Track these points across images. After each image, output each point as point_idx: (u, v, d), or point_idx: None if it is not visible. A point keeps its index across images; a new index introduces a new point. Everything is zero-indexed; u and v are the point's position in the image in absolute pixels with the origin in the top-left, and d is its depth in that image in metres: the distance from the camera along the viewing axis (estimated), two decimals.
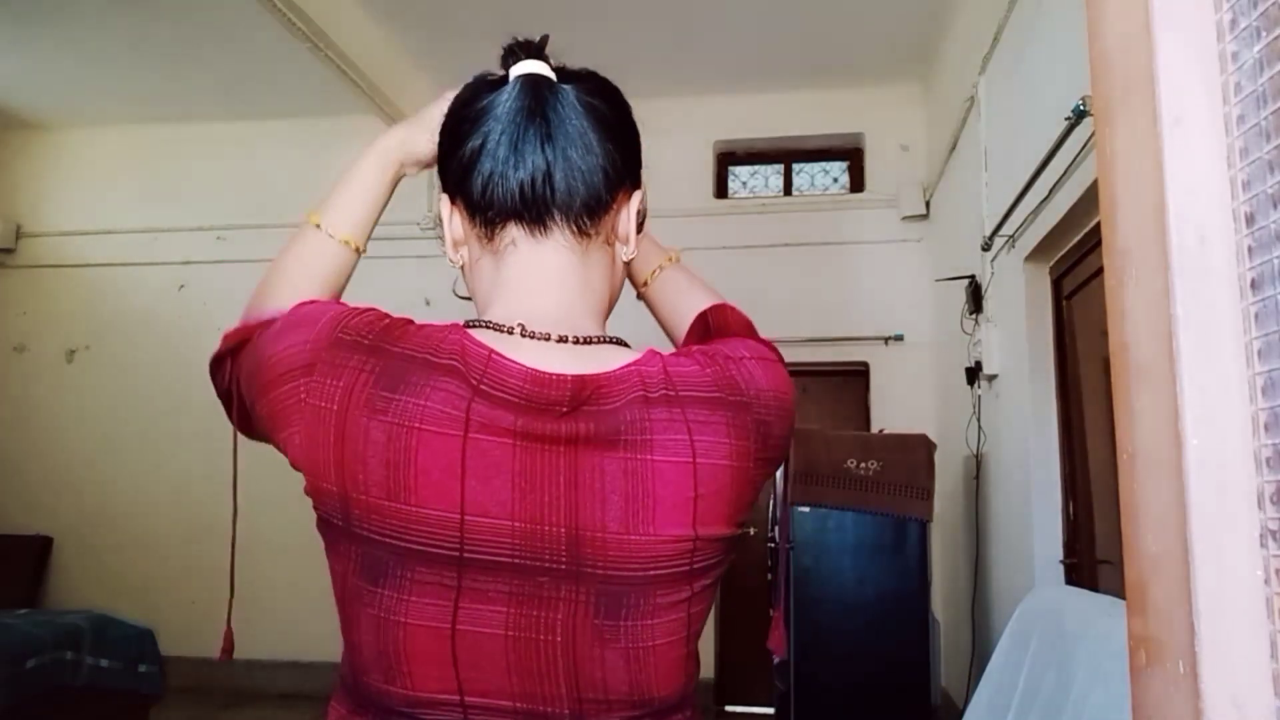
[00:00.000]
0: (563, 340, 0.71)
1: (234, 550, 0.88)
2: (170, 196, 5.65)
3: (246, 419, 0.76)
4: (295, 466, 0.70)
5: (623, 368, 0.69)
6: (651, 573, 0.67)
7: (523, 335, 0.71)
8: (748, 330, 0.89)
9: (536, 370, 0.67)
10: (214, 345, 0.80)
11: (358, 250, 0.87)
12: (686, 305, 0.93)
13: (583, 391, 0.67)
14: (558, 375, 0.67)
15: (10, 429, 5.63)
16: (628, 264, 0.83)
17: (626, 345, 0.75)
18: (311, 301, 0.76)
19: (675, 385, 0.69)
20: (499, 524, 0.65)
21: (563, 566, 0.66)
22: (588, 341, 0.72)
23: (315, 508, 0.70)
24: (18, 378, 5.70)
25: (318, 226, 0.85)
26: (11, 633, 3.45)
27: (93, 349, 5.66)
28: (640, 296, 0.98)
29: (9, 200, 5.84)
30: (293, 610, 5.02)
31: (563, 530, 0.66)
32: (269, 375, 0.71)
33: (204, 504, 5.06)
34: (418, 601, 0.66)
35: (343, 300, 0.78)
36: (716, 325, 0.89)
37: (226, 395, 0.79)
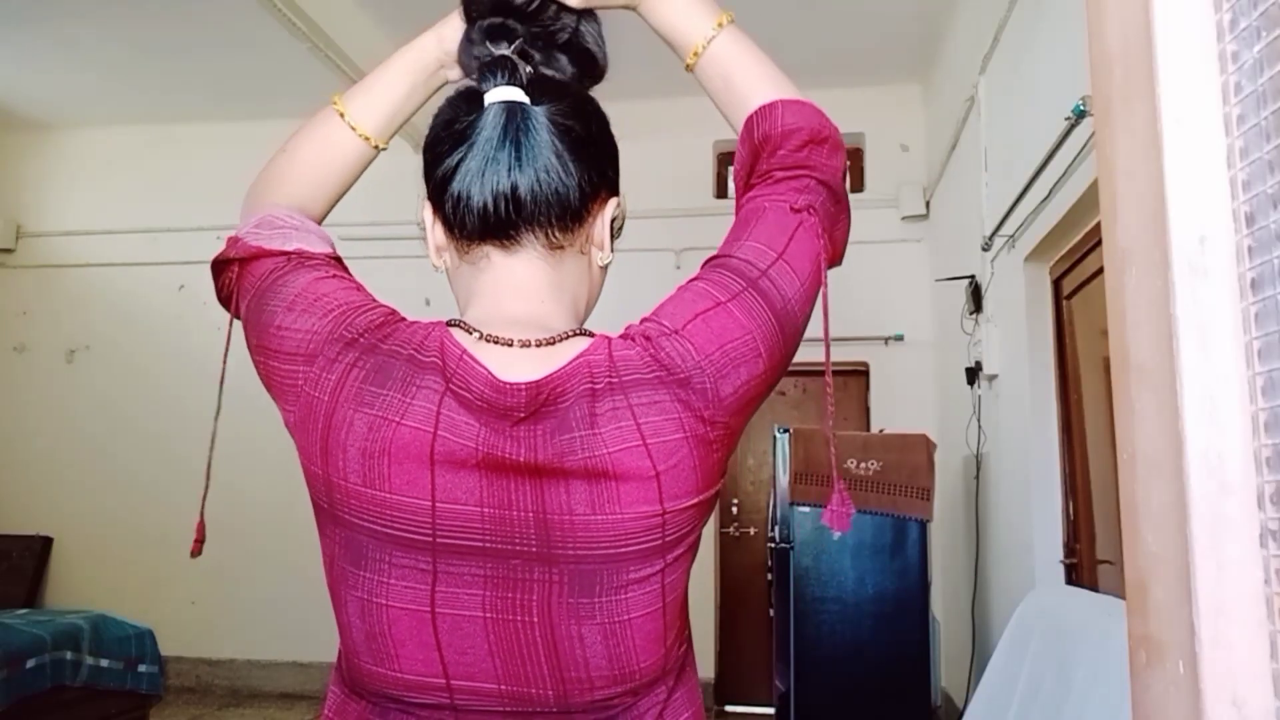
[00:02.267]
0: (525, 345, 0.73)
1: (213, 446, 0.89)
2: (170, 196, 5.65)
3: (246, 321, 0.79)
4: (289, 432, 0.75)
5: (572, 363, 0.71)
6: (623, 549, 0.69)
7: (486, 340, 0.73)
8: (794, 131, 0.79)
9: (496, 379, 0.69)
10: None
11: (377, 147, 0.86)
12: (742, 96, 0.82)
13: (538, 397, 0.69)
14: (513, 384, 0.69)
15: (10, 429, 5.63)
16: (603, 268, 0.84)
17: (590, 335, 0.76)
18: (337, 276, 0.78)
19: (619, 371, 0.71)
20: (469, 510, 0.68)
21: (533, 549, 0.68)
22: (550, 342, 0.74)
23: (308, 488, 0.74)
24: (18, 378, 5.69)
25: (341, 115, 0.84)
26: (11, 633, 3.45)
27: (93, 349, 5.66)
28: (689, 70, 0.86)
29: (9, 200, 5.83)
30: (293, 610, 5.02)
31: (530, 515, 0.68)
32: (274, 343, 0.75)
33: (207, 503, 5.06)
34: (397, 585, 0.69)
35: (362, 287, 0.79)
36: (762, 137, 0.80)
37: (227, 299, 0.81)
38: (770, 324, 0.74)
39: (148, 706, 4.02)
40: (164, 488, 5.34)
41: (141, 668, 3.91)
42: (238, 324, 0.80)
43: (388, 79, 0.86)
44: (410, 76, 0.87)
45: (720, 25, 0.83)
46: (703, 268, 0.78)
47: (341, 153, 0.86)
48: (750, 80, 0.82)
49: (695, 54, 0.83)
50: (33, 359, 5.71)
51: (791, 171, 0.79)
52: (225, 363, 0.86)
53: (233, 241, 0.81)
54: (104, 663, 3.75)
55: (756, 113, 0.80)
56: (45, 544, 5.44)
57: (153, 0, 4.30)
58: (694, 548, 0.75)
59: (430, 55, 0.87)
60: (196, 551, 0.88)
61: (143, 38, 4.67)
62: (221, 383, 0.87)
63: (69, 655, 3.58)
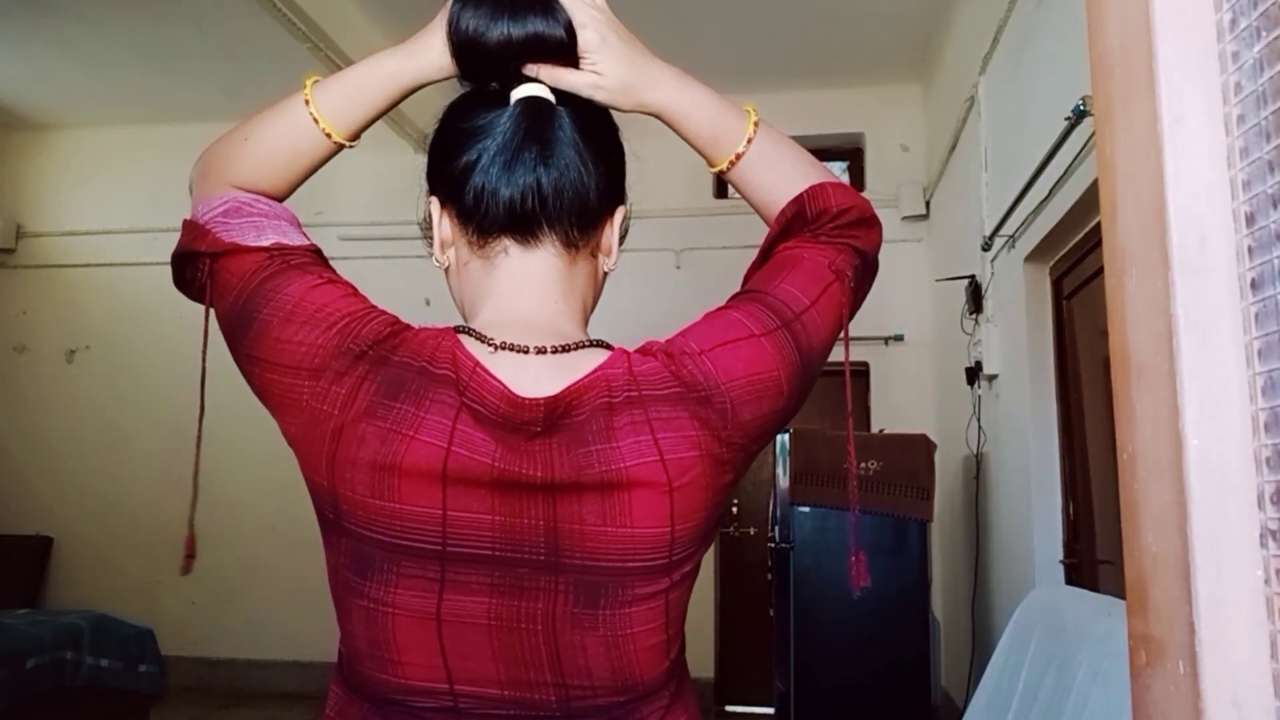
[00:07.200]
0: (541, 351, 0.73)
1: (199, 451, 0.86)
2: (170, 196, 5.60)
3: (227, 323, 0.75)
4: (288, 443, 0.74)
5: (590, 375, 0.71)
6: (629, 564, 0.69)
7: (501, 349, 0.72)
8: (847, 209, 0.81)
9: (513, 394, 0.69)
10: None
11: (338, 144, 0.81)
12: (782, 187, 0.83)
13: (555, 410, 0.69)
14: (530, 400, 0.69)
15: (10, 429, 5.63)
16: (605, 274, 0.85)
17: (606, 346, 0.76)
18: (330, 281, 0.75)
19: (639, 385, 0.71)
20: (480, 518, 0.68)
21: (541, 558, 0.69)
22: (566, 349, 0.74)
23: (311, 498, 0.73)
24: (18, 378, 5.69)
25: (307, 102, 0.79)
26: (11, 633, 3.45)
27: (93, 349, 5.66)
28: (721, 176, 0.87)
29: (9, 200, 5.83)
30: (293, 610, 5.02)
31: (541, 523, 0.68)
32: (273, 355, 0.72)
33: (203, 503, 5.05)
34: (404, 594, 0.69)
35: (357, 291, 0.76)
36: (816, 213, 0.81)
37: (199, 291, 0.77)
38: (797, 365, 0.76)
39: (148, 706, 4.02)
40: (164, 488, 5.34)
41: (141, 668, 3.91)
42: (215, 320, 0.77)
43: (360, 78, 0.81)
44: (387, 92, 0.82)
45: (755, 125, 0.83)
46: (732, 299, 0.80)
47: (301, 143, 0.80)
48: (789, 171, 0.84)
49: (731, 162, 0.83)
50: (33, 359, 5.71)
51: (836, 238, 0.81)
52: (205, 358, 0.80)
53: (195, 228, 0.76)
54: (104, 663, 3.74)
55: (807, 193, 0.81)
56: (45, 544, 5.44)
57: (153, 1, 4.30)
58: (698, 569, 0.76)
59: (408, 78, 0.82)
60: (187, 569, 0.85)
61: (143, 38, 4.67)
62: (203, 381, 0.82)
63: (69, 655, 3.58)
